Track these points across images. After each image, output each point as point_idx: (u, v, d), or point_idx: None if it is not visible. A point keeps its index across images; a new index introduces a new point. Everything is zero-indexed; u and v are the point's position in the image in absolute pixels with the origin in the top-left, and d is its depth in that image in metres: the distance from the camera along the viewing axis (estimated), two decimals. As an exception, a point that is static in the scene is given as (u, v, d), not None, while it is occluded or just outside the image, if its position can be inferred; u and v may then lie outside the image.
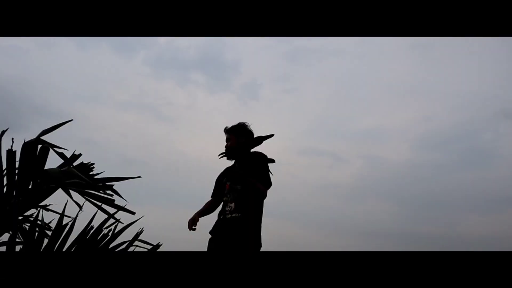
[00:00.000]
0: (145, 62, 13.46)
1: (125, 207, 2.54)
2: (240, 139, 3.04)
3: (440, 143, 13.57)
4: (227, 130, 3.11)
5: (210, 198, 3.16)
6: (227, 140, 3.09)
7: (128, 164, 12.46)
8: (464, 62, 12.58)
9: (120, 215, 2.51)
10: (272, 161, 2.96)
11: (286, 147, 13.32)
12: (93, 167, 2.63)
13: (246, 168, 2.89)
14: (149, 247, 2.64)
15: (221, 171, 3.18)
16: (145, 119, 13.56)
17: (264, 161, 2.96)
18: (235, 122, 3.11)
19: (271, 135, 2.87)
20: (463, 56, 12.57)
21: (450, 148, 13.41)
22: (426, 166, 13.19)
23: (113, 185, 2.57)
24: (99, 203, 2.50)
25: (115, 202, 2.52)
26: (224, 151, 3.02)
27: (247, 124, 3.10)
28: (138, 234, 2.59)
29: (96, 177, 2.59)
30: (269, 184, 2.92)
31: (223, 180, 3.09)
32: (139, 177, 2.65)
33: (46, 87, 12.39)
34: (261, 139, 2.89)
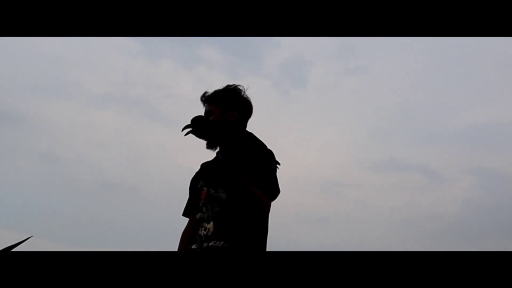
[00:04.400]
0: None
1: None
2: (229, 112, 1.89)
3: None
4: (207, 98, 1.93)
5: (186, 224, 1.95)
6: (207, 114, 1.93)
7: (108, 189, 8.36)
8: None
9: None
10: (278, 163, 1.86)
11: (351, 160, 8.83)
12: None
13: (236, 161, 1.78)
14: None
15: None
16: (133, 120, 8.82)
17: (267, 153, 1.84)
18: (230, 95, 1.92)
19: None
20: None
21: None
22: None
23: None
24: None
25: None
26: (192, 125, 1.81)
27: (240, 88, 1.93)
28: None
29: None
30: (276, 192, 1.79)
31: (197, 184, 1.91)
32: None
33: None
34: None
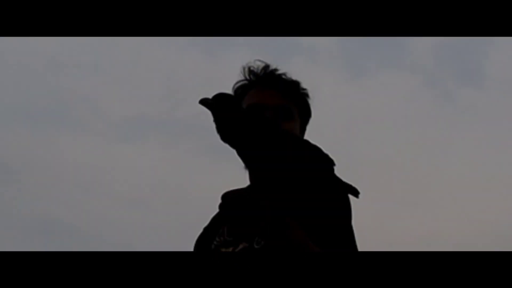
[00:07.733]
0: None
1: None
2: (302, 124, 1.30)
3: None
4: (285, 86, 1.23)
5: None
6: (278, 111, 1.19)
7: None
8: None
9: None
10: (356, 193, 1.01)
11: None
12: None
13: (284, 195, 0.98)
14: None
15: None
16: (185, 157, 5.37)
17: (339, 184, 1.02)
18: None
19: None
20: None
21: None
22: None
23: None
24: None
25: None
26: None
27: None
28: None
29: None
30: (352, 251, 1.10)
31: (211, 243, 1.17)
32: None
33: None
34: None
